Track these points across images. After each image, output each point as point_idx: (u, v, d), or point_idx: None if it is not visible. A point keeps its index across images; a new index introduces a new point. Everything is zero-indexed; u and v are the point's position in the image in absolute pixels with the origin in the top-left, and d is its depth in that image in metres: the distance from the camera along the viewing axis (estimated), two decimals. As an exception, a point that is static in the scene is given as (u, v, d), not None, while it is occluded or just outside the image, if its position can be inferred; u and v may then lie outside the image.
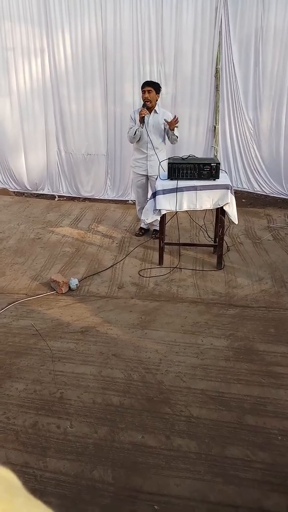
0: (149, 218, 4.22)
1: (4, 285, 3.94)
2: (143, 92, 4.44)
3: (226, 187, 3.96)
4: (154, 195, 4.06)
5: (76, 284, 3.85)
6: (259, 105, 5.65)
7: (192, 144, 5.82)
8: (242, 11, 5.33)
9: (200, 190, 3.96)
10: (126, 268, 4.25)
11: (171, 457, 2.22)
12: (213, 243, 4.54)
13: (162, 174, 4.16)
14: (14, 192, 6.61)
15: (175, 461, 2.19)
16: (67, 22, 5.59)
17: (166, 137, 4.60)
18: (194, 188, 3.96)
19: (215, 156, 5.85)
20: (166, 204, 4.02)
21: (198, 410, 2.49)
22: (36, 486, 2.07)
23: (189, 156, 4.18)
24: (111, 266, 4.28)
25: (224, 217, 4.09)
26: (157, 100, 4.54)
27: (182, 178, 3.97)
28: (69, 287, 3.83)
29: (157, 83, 4.59)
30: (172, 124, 4.36)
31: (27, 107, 6.12)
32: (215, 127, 5.84)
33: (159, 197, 4.00)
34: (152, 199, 4.11)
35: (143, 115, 4.37)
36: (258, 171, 5.93)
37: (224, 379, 2.73)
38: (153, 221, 4.41)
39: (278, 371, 2.79)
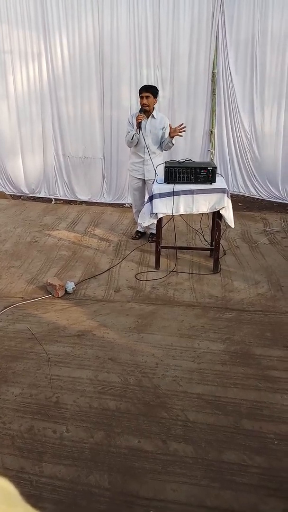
0: (145, 221, 4.22)
1: (0, 289, 3.93)
2: (141, 97, 4.44)
3: (222, 191, 3.97)
4: (151, 198, 4.07)
5: (72, 288, 3.84)
6: (255, 109, 5.68)
7: (188, 148, 5.84)
8: (239, 16, 5.36)
9: (197, 194, 3.97)
10: (123, 271, 4.25)
11: (167, 461, 2.21)
12: (209, 247, 4.55)
13: (158, 178, 4.17)
14: (10, 195, 6.60)
15: (172, 466, 2.18)
16: (64, 26, 5.61)
17: (161, 143, 4.57)
18: (191, 192, 3.97)
19: (212, 160, 5.87)
20: (162, 207, 4.02)
21: (194, 415, 2.49)
22: (32, 492, 2.05)
23: (185, 160, 4.19)
24: (108, 269, 4.27)
25: (221, 221, 4.10)
26: (155, 105, 4.54)
27: (179, 182, 3.98)
28: (66, 290, 3.82)
29: (155, 86, 4.59)
30: (175, 131, 4.34)
31: (24, 110, 6.12)
32: (211, 131, 5.86)
33: (156, 201, 4.00)
34: (149, 202, 4.12)
35: (140, 120, 4.38)
36: (255, 175, 5.95)
37: (221, 383, 2.72)
38: (150, 224, 4.41)
39: (274, 375, 2.79)
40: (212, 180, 3.98)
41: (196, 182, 3.98)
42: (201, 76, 5.65)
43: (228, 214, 4.06)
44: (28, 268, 4.33)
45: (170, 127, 4.44)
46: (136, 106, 5.37)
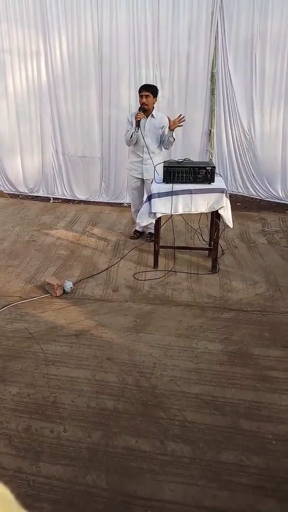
0: (144, 221, 4.21)
1: (-2, 288, 3.92)
2: (141, 96, 4.43)
3: (221, 191, 3.97)
4: (150, 198, 4.06)
5: (70, 287, 3.83)
6: (254, 109, 5.67)
7: (187, 147, 5.83)
8: (238, 16, 5.35)
9: (195, 193, 3.97)
10: (121, 271, 4.24)
11: (165, 462, 2.21)
12: (208, 247, 4.54)
13: (157, 177, 4.16)
14: (8, 194, 6.58)
15: (169, 466, 2.18)
16: (63, 25, 5.59)
17: (162, 142, 4.57)
18: (189, 192, 3.97)
19: (211, 159, 5.86)
20: (161, 207, 4.02)
21: (192, 415, 2.48)
22: (29, 492, 2.05)
23: (184, 159, 4.18)
24: (106, 269, 4.27)
25: (219, 220, 4.10)
26: (154, 104, 4.54)
27: (178, 182, 3.98)
28: (64, 290, 3.82)
29: (155, 86, 4.58)
30: (175, 123, 4.34)
31: (24, 109, 6.11)
32: (210, 131, 5.86)
33: (155, 200, 4.00)
34: (147, 202, 4.11)
35: (139, 118, 4.37)
36: (253, 175, 5.94)
37: (219, 383, 2.72)
38: (148, 224, 4.40)
39: (272, 375, 2.79)
40: (210, 180, 3.98)
41: (195, 182, 3.97)
42: (200, 75, 5.64)
43: (227, 214, 4.06)
44: (26, 267, 4.32)
45: (169, 120, 4.42)
46: (135, 105, 5.36)
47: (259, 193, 6.01)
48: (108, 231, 5.20)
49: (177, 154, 5.58)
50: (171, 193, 3.95)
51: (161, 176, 4.05)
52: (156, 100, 4.54)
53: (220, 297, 3.75)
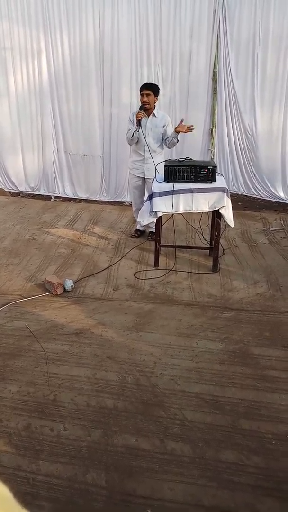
0: (145, 220, 4.21)
1: (-2, 286, 3.92)
2: (142, 95, 4.43)
3: (222, 190, 3.96)
4: (151, 197, 4.06)
5: (71, 286, 3.83)
6: (256, 109, 5.66)
7: (189, 146, 5.81)
8: (240, 15, 5.34)
9: (197, 192, 3.96)
10: (122, 270, 4.24)
11: (164, 460, 2.21)
12: (209, 246, 4.54)
13: (158, 176, 4.16)
14: (9, 192, 6.58)
15: (169, 465, 2.18)
16: (65, 23, 5.58)
17: (164, 141, 4.57)
18: (191, 191, 3.96)
19: (212, 159, 5.85)
20: (162, 206, 4.02)
21: (192, 414, 2.49)
22: (28, 490, 2.05)
23: (185, 158, 4.18)
24: (107, 267, 4.27)
25: (220, 220, 4.09)
26: (155, 103, 4.53)
27: (179, 181, 3.97)
28: (64, 288, 3.82)
29: (156, 85, 4.58)
30: (183, 128, 4.32)
31: (25, 108, 6.10)
32: (212, 130, 5.85)
33: (156, 199, 4.00)
34: (149, 201, 4.11)
35: (140, 117, 4.36)
36: (255, 175, 5.93)
37: (219, 383, 2.72)
38: (149, 223, 4.40)
39: (272, 375, 2.79)
40: (212, 179, 3.97)
41: (196, 181, 3.97)
42: (202, 74, 5.63)
43: (228, 213, 4.06)
44: (27, 265, 4.32)
45: (180, 123, 4.41)
46: (136, 104, 5.35)
47: (260, 193, 6.00)
48: (109, 230, 5.19)
49: (178, 153, 5.58)
50: (172, 192, 3.95)
51: (162, 175, 4.05)
52: (157, 99, 4.53)
53: (221, 297, 3.75)
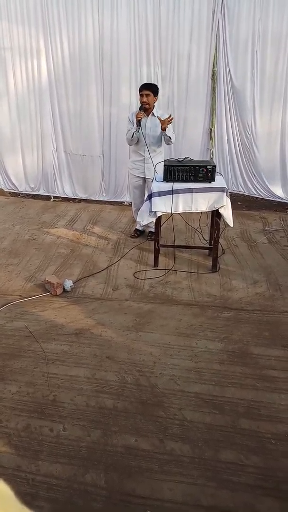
0: (144, 220, 4.21)
1: (-2, 286, 3.92)
2: (141, 95, 4.43)
3: (221, 189, 3.96)
4: (150, 197, 4.05)
5: (70, 286, 3.83)
6: (255, 108, 5.66)
7: (188, 146, 5.81)
8: (239, 15, 5.34)
9: (196, 192, 3.96)
10: (121, 270, 4.24)
11: (164, 461, 2.21)
12: (208, 246, 4.54)
13: (157, 176, 4.16)
14: (9, 192, 6.58)
15: (168, 465, 2.18)
16: (64, 23, 5.58)
17: (163, 139, 4.58)
18: (190, 191, 3.96)
19: (211, 158, 5.85)
20: (161, 206, 4.02)
21: (191, 414, 2.49)
22: (28, 490, 2.05)
23: (185, 158, 4.18)
24: (106, 267, 4.27)
25: (220, 219, 4.09)
26: (155, 103, 4.53)
27: (178, 181, 3.97)
28: (64, 288, 3.82)
29: (155, 85, 4.58)
30: (164, 123, 4.31)
31: (24, 107, 6.10)
32: (211, 130, 5.84)
33: (155, 199, 3.99)
34: (148, 201, 4.10)
35: (140, 118, 4.36)
36: (254, 174, 5.93)
37: (218, 383, 2.72)
38: (149, 223, 4.40)
39: (272, 375, 2.79)
40: (211, 178, 3.97)
41: (195, 180, 3.97)
42: (201, 74, 5.63)
43: (227, 213, 4.06)
44: (26, 265, 4.32)
45: (160, 120, 4.38)
46: (135, 104, 5.35)
47: (259, 192, 5.99)
48: (108, 230, 5.19)
49: (177, 153, 5.57)
50: (172, 192, 3.94)
51: (162, 175, 4.05)
52: (156, 99, 4.53)
53: (220, 296, 3.75)
